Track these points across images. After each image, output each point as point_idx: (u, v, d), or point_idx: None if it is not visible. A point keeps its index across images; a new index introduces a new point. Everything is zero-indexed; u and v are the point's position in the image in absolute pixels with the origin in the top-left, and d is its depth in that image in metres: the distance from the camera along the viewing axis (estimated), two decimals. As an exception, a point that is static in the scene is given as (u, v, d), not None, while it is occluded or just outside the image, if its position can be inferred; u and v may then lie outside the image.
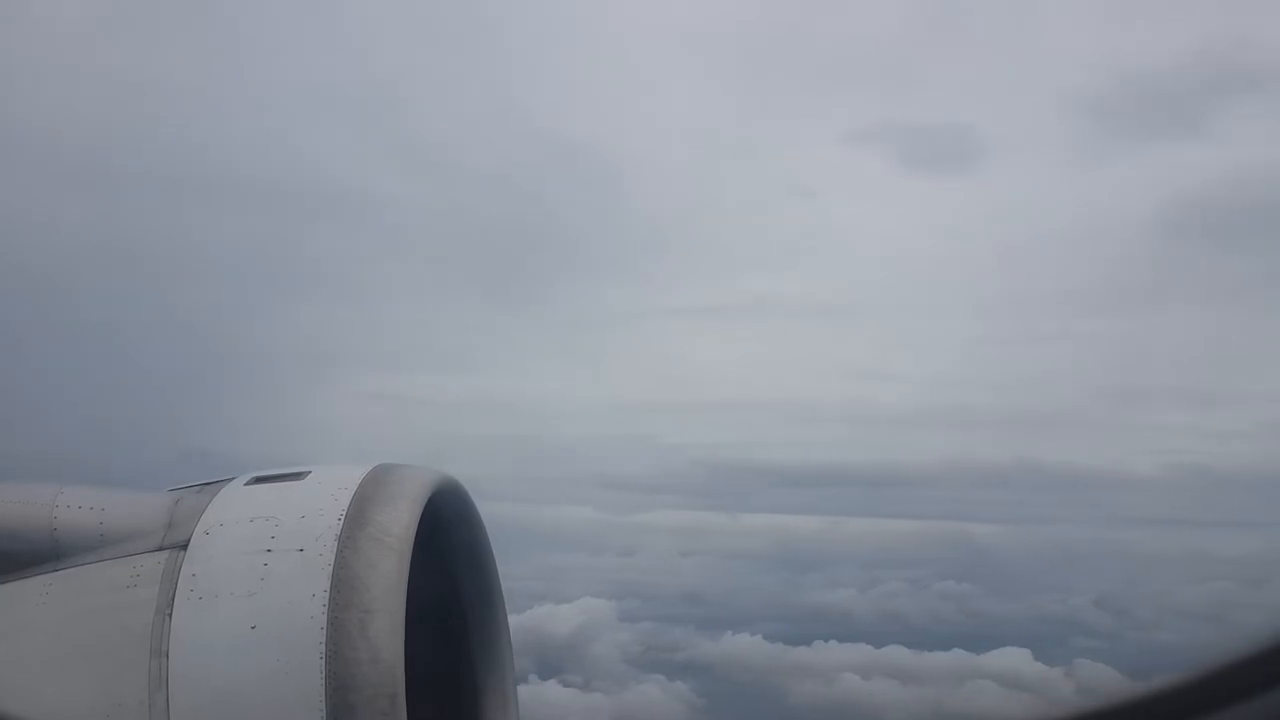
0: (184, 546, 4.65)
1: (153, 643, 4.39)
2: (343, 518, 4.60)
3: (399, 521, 4.66)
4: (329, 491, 4.76)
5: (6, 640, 4.55)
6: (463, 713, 5.78)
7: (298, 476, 4.92)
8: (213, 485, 4.97)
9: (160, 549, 4.70)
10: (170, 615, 4.44)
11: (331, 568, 4.45)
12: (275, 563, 4.51)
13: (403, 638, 4.41)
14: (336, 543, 4.51)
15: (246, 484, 4.93)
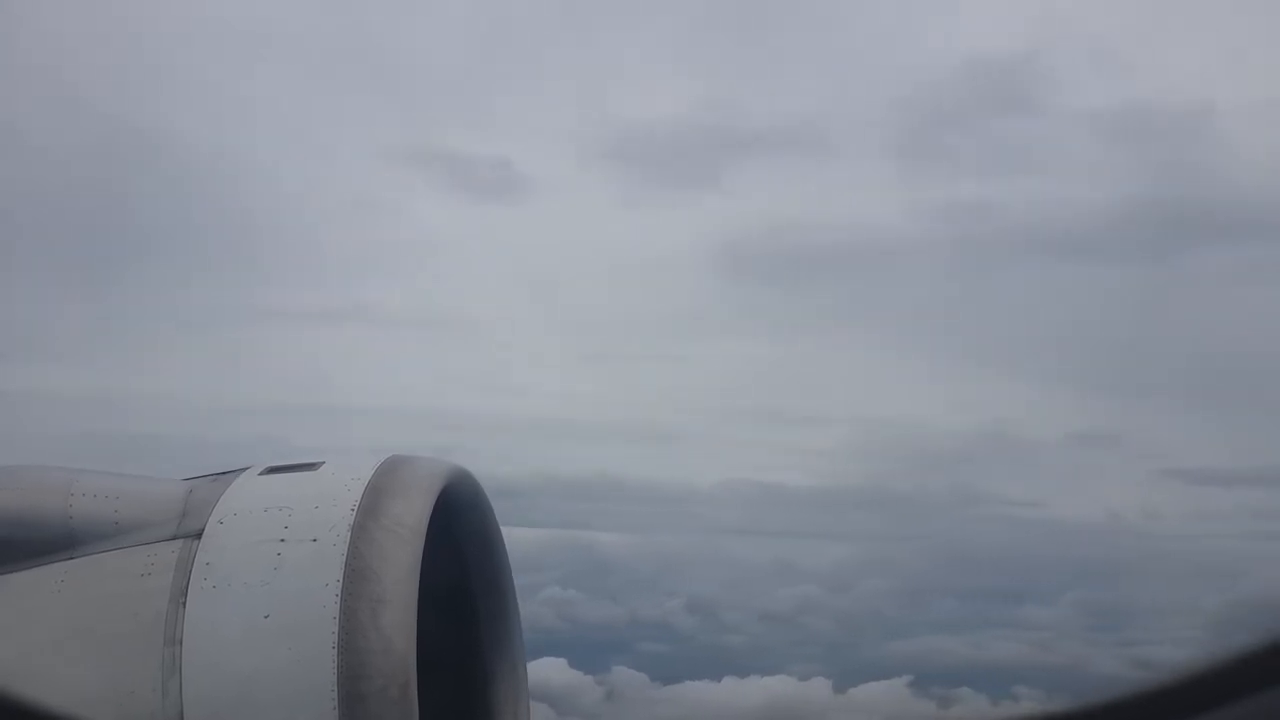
0: (198, 536, 4.67)
1: (166, 631, 4.42)
2: (356, 508, 4.62)
3: (412, 512, 4.68)
4: (342, 482, 4.77)
5: (22, 628, 4.57)
6: (474, 698, 5.83)
7: (311, 467, 4.95)
8: (227, 475, 4.99)
9: (174, 538, 4.72)
10: (184, 604, 4.47)
11: (344, 558, 4.47)
12: (289, 552, 4.53)
13: (415, 628, 4.44)
14: (350, 533, 4.53)
15: (261, 474, 4.95)
